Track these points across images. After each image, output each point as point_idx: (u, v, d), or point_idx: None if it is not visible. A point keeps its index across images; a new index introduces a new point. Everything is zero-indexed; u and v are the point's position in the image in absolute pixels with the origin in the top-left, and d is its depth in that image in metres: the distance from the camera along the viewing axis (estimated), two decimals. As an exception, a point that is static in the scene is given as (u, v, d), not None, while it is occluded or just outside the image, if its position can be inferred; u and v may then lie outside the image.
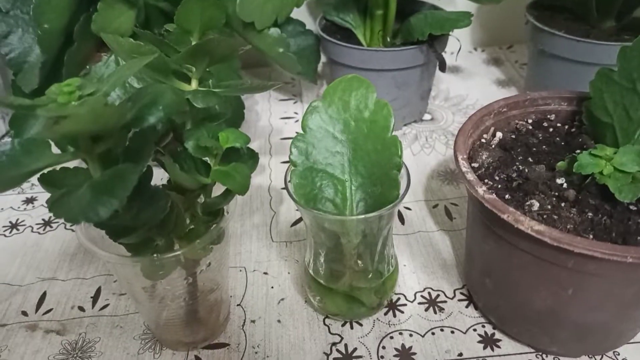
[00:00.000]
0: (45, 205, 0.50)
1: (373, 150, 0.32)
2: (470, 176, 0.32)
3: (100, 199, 0.21)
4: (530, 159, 0.36)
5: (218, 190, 0.31)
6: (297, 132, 0.34)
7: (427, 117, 0.61)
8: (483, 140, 0.38)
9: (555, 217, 0.30)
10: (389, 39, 0.54)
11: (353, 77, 0.33)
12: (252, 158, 0.31)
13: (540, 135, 0.38)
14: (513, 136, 0.38)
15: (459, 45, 0.58)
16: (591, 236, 0.29)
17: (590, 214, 0.30)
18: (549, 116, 0.40)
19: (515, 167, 0.35)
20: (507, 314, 0.35)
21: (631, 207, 0.31)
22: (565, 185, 0.32)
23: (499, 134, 0.38)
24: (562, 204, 0.31)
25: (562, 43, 0.51)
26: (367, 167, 0.33)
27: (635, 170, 0.30)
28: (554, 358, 0.34)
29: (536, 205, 0.31)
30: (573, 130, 0.38)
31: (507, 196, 0.32)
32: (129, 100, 0.26)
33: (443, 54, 0.53)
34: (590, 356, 0.35)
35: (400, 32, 0.53)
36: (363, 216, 0.30)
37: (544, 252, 0.29)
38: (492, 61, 0.74)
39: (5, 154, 0.24)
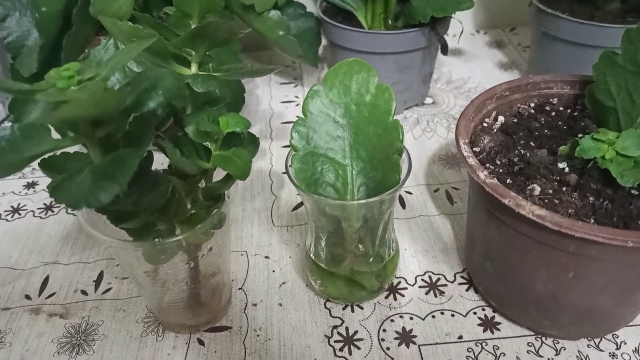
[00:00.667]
0: (47, 190, 0.50)
1: (374, 134, 0.32)
2: (472, 160, 0.32)
3: (101, 184, 0.21)
4: (532, 143, 0.35)
5: (219, 175, 0.31)
6: (297, 117, 0.33)
7: (428, 100, 0.61)
8: (485, 125, 0.38)
9: (557, 201, 0.30)
10: (390, 22, 0.54)
11: (354, 61, 0.33)
12: (253, 142, 0.31)
13: (542, 119, 0.38)
14: (515, 120, 0.38)
15: (462, 27, 0.57)
16: (592, 220, 0.29)
17: (591, 198, 0.30)
18: (551, 100, 0.40)
19: (517, 151, 0.34)
20: (508, 297, 0.35)
21: (633, 191, 0.30)
22: (567, 169, 0.32)
23: (501, 118, 0.38)
24: (564, 189, 0.31)
25: (566, 25, 0.51)
26: (368, 151, 0.33)
27: (638, 154, 0.29)
28: (553, 341, 0.35)
29: (537, 189, 0.31)
30: (576, 114, 0.38)
31: (508, 180, 0.32)
32: (128, 84, 0.26)
33: (445, 36, 0.53)
34: (589, 339, 0.35)
35: (401, 14, 0.53)
36: (364, 201, 0.30)
37: (545, 237, 0.29)
38: (495, 44, 0.73)
39: (5, 139, 0.24)
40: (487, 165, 0.34)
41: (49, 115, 0.20)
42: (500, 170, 0.33)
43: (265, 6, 0.49)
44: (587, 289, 0.31)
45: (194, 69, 0.31)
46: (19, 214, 0.48)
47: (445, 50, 0.50)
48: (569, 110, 0.39)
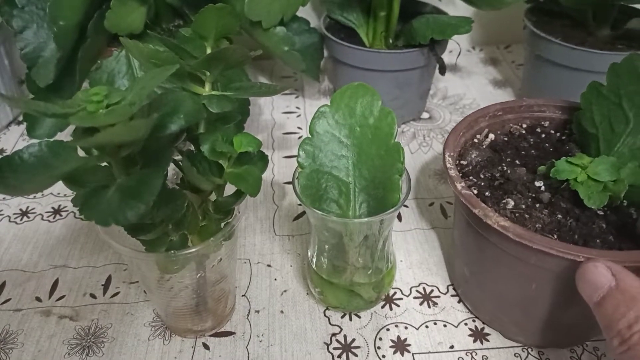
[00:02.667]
0: (55, 194, 0.52)
1: (377, 155, 0.34)
2: (452, 172, 0.34)
3: (129, 203, 0.23)
4: (517, 162, 0.38)
5: (229, 188, 0.33)
6: (299, 127, 0.35)
7: (425, 115, 0.63)
8: (475, 140, 0.40)
9: (527, 216, 0.33)
10: (391, 40, 0.56)
11: (359, 85, 0.35)
12: (262, 160, 0.33)
13: (532, 140, 0.40)
14: (505, 139, 0.40)
15: (459, 48, 0.59)
16: (555, 236, 0.32)
17: (559, 216, 0.33)
18: (543, 122, 0.42)
19: (500, 167, 0.37)
20: (480, 301, 0.38)
21: (599, 212, 0.33)
22: (543, 188, 0.35)
23: (491, 136, 0.41)
24: (537, 205, 0.34)
25: (558, 50, 0.53)
26: (370, 170, 0.35)
27: (607, 179, 0.32)
28: (538, 352, 0.37)
29: (511, 203, 0.34)
30: (564, 138, 0.41)
31: (487, 193, 0.35)
32: (150, 106, 0.27)
33: (444, 52, 0.55)
34: (571, 350, 0.37)
35: (402, 34, 0.55)
36: (366, 219, 0.32)
37: (510, 247, 0.31)
38: (490, 61, 0.75)
39: (33, 155, 0.26)
40: (471, 177, 0.37)
41: (85, 140, 0.22)
42: (482, 184, 0.36)
43: (271, 22, 0.51)
44: (549, 300, 0.33)
45: (207, 88, 0.33)
46: (28, 217, 0.49)
47: (443, 71, 0.52)
48: (558, 134, 0.41)
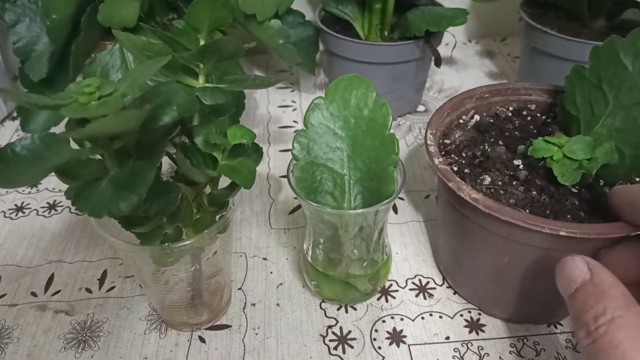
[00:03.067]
0: (50, 189, 0.52)
1: (371, 146, 0.34)
2: (432, 149, 0.35)
3: (122, 194, 0.23)
4: (500, 142, 0.39)
5: (224, 181, 0.33)
6: (294, 121, 0.35)
7: (421, 108, 0.63)
8: (461, 121, 0.41)
9: (502, 192, 0.34)
10: (386, 33, 0.56)
11: (354, 77, 0.35)
12: (256, 152, 0.33)
13: (517, 122, 0.41)
14: (491, 120, 0.41)
15: (454, 41, 0.59)
16: (527, 211, 0.32)
17: (534, 192, 0.34)
18: (529, 106, 0.42)
19: (482, 146, 0.38)
20: (459, 276, 0.39)
21: (573, 190, 0.34)
22: (521, 166, 0.36)
23: (476, 117, 0.41)
24: (514, 182, 0.34)
25: (554, 41, 0.53)
26: (365, 162, 0.35)
27: (582, 158, 0.33)
28: (534, 342, 0.37)
29: (487, 179, 0.34)
30: (548, 120, 0.41)
31: (466, 170, 0.36)
32: (143, 97, 0.27)
33: (439, 45, 0.55)
34: (534, 325, 0.38)
35: (397, 26, 0.55)
36: (360, 210, 0.32)
37: (482, 220, 0.32)
38: (486, 53, 0.75)
39: (26, 148, 0.26)
40: (452, 156, 0.37)
41: (76, 131, 0.22)
42: (463, 162, 0.37)
43: (266, 15, 0.51)
44: (521, 274, 0.34)
45: (201, 80, 0.33)
46: (23, 213, 0.49)
47: (438, 63, 0.52)
48: (544, 117, 0.42)
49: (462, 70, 0.71)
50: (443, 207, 0.38)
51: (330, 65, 0.62)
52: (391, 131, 0.34)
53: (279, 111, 0.63)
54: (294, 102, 0.65)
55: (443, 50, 0.72)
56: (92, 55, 0.47)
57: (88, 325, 0.39)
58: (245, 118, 0.61)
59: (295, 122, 0.60)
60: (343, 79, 0.35)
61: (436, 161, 0.34)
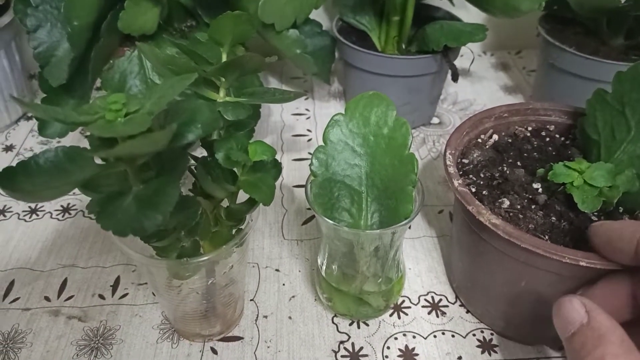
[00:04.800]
0: (86, 210, 0.52)
1: (390, 165, 0.34)
2: (451, 169, 0.35)
3: (146, 213, 0.23)
4: (518, 163, 0.38)
5: (242, 194, 0.33)
6: (308, 129, 0.35)
7: (435, 120, 0.63)
8: (479, 140, 0.41)
9: (521, 216, 0.33)
10: (403, 46, 0.56)
11: (374, 94, 0.34)
12: (275, 167, 0.33)
13: (535, 142, 0.40)
14: (509, 140, 0.41)
15: (472, 54, 0.59)
16: (547, 237, 0.32)
17: (554, 218, 0.33)
18: (548, 126, 0.42)
19: (500, 167, 0.38)
20: (473, 295, 0.39)
21: (593, 217, 0.34)
22: (540, 190, 0.35)
23: (495, 136, 0.41)
24: (532, 207, 0.34)
25: (571, 59, 0.53)
26: (383, 180, 0.35)
27: (603, 185, 0.32)
28: (546, 365, 0.37)
29: (506, 203, 0.34)
30: (567, 142, 0.41)
31: (484, 192, 0.36)
32: (166, 114, 0.27)
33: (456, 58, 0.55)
34: (547, 347, 0.38)
35: (415, 40, 0.55)
36: (378, 231, 0.32)
37: (501, 245, 0.32)
38: (501, 66, 0.75)
39: (49, 160, 0.26)
40: (471, 176, 0.37)
41: (105, 151, 0.22)
42: (481, 183, 0.37)
43: (284, 25, 0.51)
44: (536, 298, 0.34)
45: (222, 93, 0.33)
46: (37, 215, 0.49)
47: (455, 78, 0.52)
48: (562, 138, 0.41)
49: (476, 82, 0.71)
50: (459, 227, 0.38)
51: (345, 76, 0.62)
52: (411, 151, 0.34)
53: (293, 119, 0.63)
54: (307, 110, 0.65)
55: (458, 62, 0.72)
56: (111, 62, 0.47)
57: (101, 332, 0.39)
58: (259, 126, 0.61)
59: (309, 130, 0.60)
60: (363, 96, 0.35)
61: (455, 183, 0.34)
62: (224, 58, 0.33)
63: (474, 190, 0.36)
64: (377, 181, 0.35)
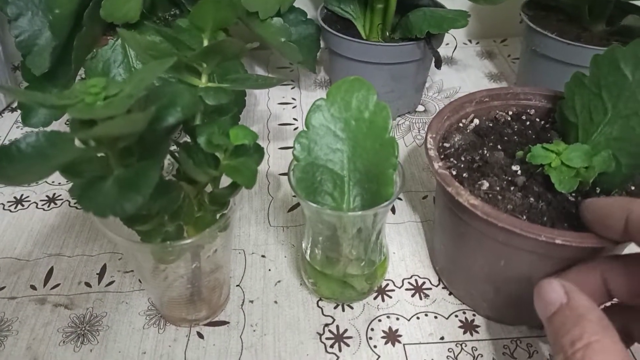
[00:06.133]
0: (49, 182, 0.52)
1: (371, 149, 0.35)
2: (432, 153, 0.36)
3: (127, 195, 0.23)
4: (499, 147, 0.39)
5: (225, 179, 0.33)
6: (294, 118, 0.35)
7: (420, 108, 0.63)
8: (460, 125, 0.41)
9: (500, 197, 0.34)
10: (387, 33, 0.56)
11: (355, 79, 0.35)
12: (257, 152, 0.33)
13: (516, 126, 0.41)
14: (490, 124, 0.41)
15: (455, 42, 0.60)
16: (525, 217, 0.33)
17: (532, 199, 0.34)
18: (528, 110, 0.43)
19: (481, 151, 0.38)
20: (455, 277, 0.40)
21: (570, 198, 0.34)
22: (519, 172, 0.36)
23: (476, 121, 0.42)
24: (511, 188, 0.35)
25: (553, 44, 0.54)
26: (365, 164, 0.35)
27: (580, 166, 0.33)
28: (527, 344, 0.38)
29: (486, 185, 0.35)
30: (547, 126, 0.41)
31: (465, 175, 0.36)
32: (147, 98, 0.28)
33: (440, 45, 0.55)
34: (528, 327, 0.38)
35: (399, 27, 0.55)
36: (359, 213, 0.32)
37: (480, 225, 0.33)
38: (486, 54, 0.75)
39: (31, 145, 0.26)
40: (452, 159, 0.38)
41: (83, 132, 0.22)
42: (462, 166, 0.37)
43: (268, 13, 0.51)
44: (517, 276, 0.34)
45: (204, 79, 0.33)
46: (22, 205, 0.49)
47: (439, 64, 0.52)
48: (542, 122, 0.42)
49: (461, 70, 0.71)
50: (440, 209, 0.39)
51: (331, 64, 0.62)
52: (391, 134, 0.34)
53: (279, 108, 0.63)
54: (294, 99, 0.65)
55: (443, 50, 0.73)
56: (94, 50, 0.47)
57: (87, 320, 0.39)
58: (245, 115, 0.61)
59: (295, 119, 0.61)
60: (345, 81, 0.35)
61: (436, 165, 0.34)
62: (205, 44, 0.33)
63: (454, 173, 0.36)
64: (359, 165, 0.35)
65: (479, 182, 0.35)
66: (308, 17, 0.58)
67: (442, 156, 0.38)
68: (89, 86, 0.24)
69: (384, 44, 0.53)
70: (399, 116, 0.61)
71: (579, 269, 0.30)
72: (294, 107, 0.63)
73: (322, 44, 0.61)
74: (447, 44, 0.73)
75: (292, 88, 0.67)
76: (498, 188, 0.35)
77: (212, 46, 0.30)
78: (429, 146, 0.36)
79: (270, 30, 0.52)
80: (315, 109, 0.35)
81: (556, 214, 0.33)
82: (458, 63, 0.73)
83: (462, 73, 0.71)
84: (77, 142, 0.27)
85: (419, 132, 0.59)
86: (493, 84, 0.68)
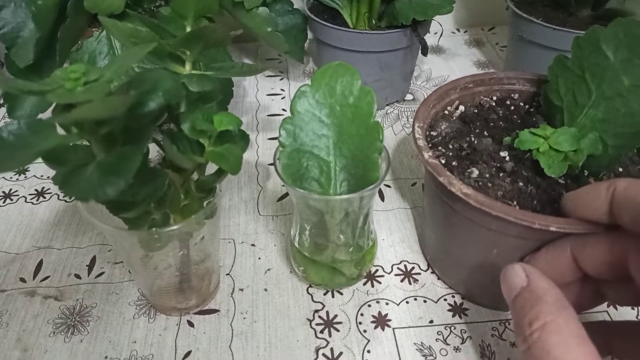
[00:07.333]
0: (38, 176, 0.52)
1: (356, 134, 0.35)
2: (421, 142, 0.35)
3: (108, 179, 0.23)
4: (485, 133, 0.39)
5: (211, 167, 0.33)
6: (283, 109, 0.36)
7: (409, 97, 0.63)
8: (446, 112, 0.41)
9: (490, 184, 0.34)
10: (374, 21, 0.56)
11: (339, 64, 0.35)
12: (243, 139, 0.33)
13: (501, 112, 0.41)
14: (475, 111, 0.41)
15: (441, 29, 0.60)
16: (515, 203, 0.33)
17: (521, 183, 0.34)
18: (512, 95, 0.43)
19: (468, 138, 0.38)
20: (447, 266, 0.40)
21: (560, 180, 0.34)
22: (507, 158, 0.36)
23: (461, 108, 0.42)
24: (500, 174, 0.35)
25: (539, 30, 0.54)
26: (350, 149, 0.35)
27: (568, 149, 0.33)
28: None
29: (475, 172, 0.35)
30: (532, 110, 0.42)
31: (454, 163, 0.36)
32: (129, 84, 0.28)
33: (427, 34, 0.55)
34: None
35: (385, 14, 0.55)
36: (346, 196, 0.32)
37: (472, 214, 0.32)
38: (474, 43, 0.76)
39: (12, 133, 0.26)
40: (440, 148, 0.38)
41: (62, 116, 0.22)
42: (450, 154, 0.37)
43: (254, 3, 0.51)
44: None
45: (188, 67, 0.33)
46: (11, 200, 0.49)
47: (425, 51, 0.52)
48: (527, 106, 0.42)
49: (450, 59, 0.71)
50: (430, 199, 0.38)
51: (318, 54, 0.62)
52: (377, 119, 0.34)
53: (268, 99, 0.63)
54: (282, 90, 0.65)
55: (432, 39, 0.73)
56: (79, 42, 0.46)
57: (77, 311, 0.39)
58: (234, 106, 0.61)
59: (284, 110, 0.61)
60: (329, 66, 0.35)
61: (426, 155, 0.34)
62: (188, 31, 0.33)
63: (443, 161, 0.36)
64: (345, 150, 0.35)
65: (469, 170, 0.35)
66: (294, 7, 0.58)
67: (430, 145, 0.38)
68: (69, 72, 0.24)
69: (371, 32, 0.53)
70: (387, 105, 0.61)
71: (548, 248, 0.31)
72: (282, 98, 0.63)
73: (310, 35, 0.61)
74: (436, 33, 0.73)
75: (281, 79, 0.67)
76: (487, 175, 0.34)
77: (194, 32, 0.30)
78: (417, 136, 0.36)
79: (256, 21, 0.52)
80: (300, 95, 0.35)
81: (546, 197, 0.33)
82: (446, 52, 0.73)
83: (451, 62, 0.71)
84: (61, 132, 0.27)
85: (407, 120, 0.59)
86: (481, 72, 0.68)
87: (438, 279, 0.41)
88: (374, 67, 0.56)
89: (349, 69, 0.35)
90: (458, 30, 0.79)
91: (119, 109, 0.23)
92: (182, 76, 0.31)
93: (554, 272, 0.29)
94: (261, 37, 0.54)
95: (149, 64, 0.32)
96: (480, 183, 0.34)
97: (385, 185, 0.50)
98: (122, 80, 0.27)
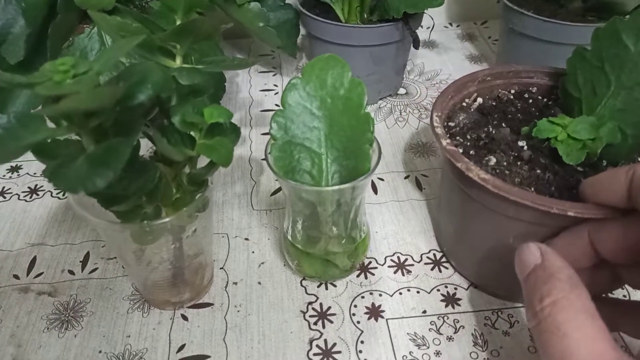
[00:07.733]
0: (31, 174, 0.52)
1: (347, 125, 0.35)
2: (439, 130, 0.36)
3: (97, 170, 0.23)
4: (503, 124, 0.39)
5: (203, 161, 0.33)
6: (276, 104, 0.36)
7: (402, 91, 0.64)
8: (464, 104, 0.41)
9: (507, 172, 0.34)
10: (366, 15, 0.56)
11: (330, 57, 0.35)
12: (234, 132, 0.33)
13: (519, 104, 0.41)
14: (493, 103, 0.42)
15: (433, 23, 0.60)
16: (532, 189, 0.33)
17: (538, 170, 0.34)
18: (531, 88, 0.43)
19: (486, 129, 0.38)
20: (463, 256, 0.40)
21: (578, 168, 0.35)
22: (525, 147, 0.36)
23: (479, 100, 0.42)
24: (518, 162, 0.35)
25: (530, 22, 0.54)
26: (342, 141, 0.35)
27: (586, 138, 0.33)
28: (507, 315, 0.38)
29: (493, 160, 0.35)
30: (550, 102, 0.42)
31: (472, 152, 0.36)
32: (119, 77, 0.28)
33: (420, 28, 0.55)
34: None
35: (376, 8, 0.55)
36: (337, 187, 0.33)
37: (489, 201, 0.33)
38: (467, 37, 0.76)
39: (2, 127, 0.26)
40: (458, 138, 0.38)
41: (50, 108, 0.22)
42: (468, 144, 0.37)
43: (245, -2, 0.51)
44: None
45: (178, 61, 0.33)
46: (4, 197, 0.49)
47: (417, 44, 0.52)
48: (545, 99, 0.42)
49: (443, 53, 0.72)
50: (448, 188, 0.38)
51: (311, 49, 0.62)
52: (367, 110, 0.34)
53: (261, 95, 0.63)
54: (276, 85, 0.65)
55: (424, 33, 0.73)
56: (70, 39, 0.46)
57: (71, 306, 0.39)
58: (227, 102, 0.61)
59: (277, 105, 0.61)
60: (319, 59, 0.35)
61: (444, 142, 0.34)
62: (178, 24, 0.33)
63: (461, 150, 0.36)
64: (336, 142, 0.35)
65: (486, 159, 0.35)
66: (286, 1, 0.58)
67: (448, 135, 0.37)
68: (58, 64, 0.24)
69: (362, 26, 0.54)
70: (380, 99, 0.62)
71: (565, 233, 0.31)
72: (276, 94, 0.63)
73: (302, 30, 0.61)
74: (428, 27, 0.74)
75: (274, 75, 0.67)
76: (505, 163, 0.35)
77: (183, 25, 0.30)
78: (435, 124, 0.36)
79: (247, 15, 0.52)
80: (291, 88, 0.35)
81: (564, 184, 0.33)
82: (439, 46, 0.73)
83: (443, 56, 0.71)
84: (51, 125, 0.27)
85: (400, 114, 0.60)
86: (474, 65, 0.69)
87: (431, 269, 0.41)
88: (367, 61, 0.56)
89: (339, 61, 0.35)
90: (450, 24, 0.79)
91: (107, 100, 0.23)
92: (173, 69, 0.31)
93: (571, 257, 0.29)
94: (253, 33, 0.54)
95: (140, 58, 0.32)
96: (497, 170, 0.34)
97: (378, 178, 0.51)
98: (111, 72, 0.27)
